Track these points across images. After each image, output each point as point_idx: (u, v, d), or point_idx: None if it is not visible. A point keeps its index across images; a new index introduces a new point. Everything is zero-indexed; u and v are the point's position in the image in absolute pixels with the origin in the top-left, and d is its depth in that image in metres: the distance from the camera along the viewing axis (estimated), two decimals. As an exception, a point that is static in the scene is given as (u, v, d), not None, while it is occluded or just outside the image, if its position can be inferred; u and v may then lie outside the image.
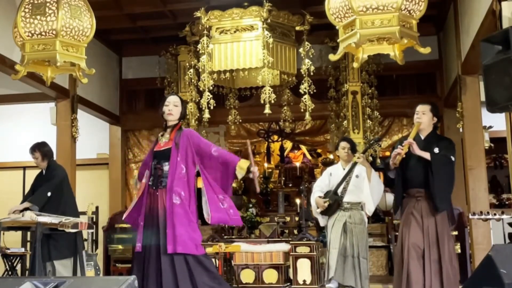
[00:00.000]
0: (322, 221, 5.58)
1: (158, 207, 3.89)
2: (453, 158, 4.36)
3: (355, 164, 5.37)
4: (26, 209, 5.14)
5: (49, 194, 5.39)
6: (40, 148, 5.61)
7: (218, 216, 3.96)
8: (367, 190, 5.35)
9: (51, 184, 5.44)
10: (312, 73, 6.85)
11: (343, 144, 5.54)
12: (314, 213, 5.61)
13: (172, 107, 4.07)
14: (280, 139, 10.84)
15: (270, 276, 6.35)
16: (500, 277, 2.81)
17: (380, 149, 8.19)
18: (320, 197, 5.47)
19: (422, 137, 4.52)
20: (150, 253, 3.87)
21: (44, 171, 5.66)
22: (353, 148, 5.54)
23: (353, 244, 5.29)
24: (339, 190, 5.38)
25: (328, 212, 5.42)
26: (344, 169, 5.50)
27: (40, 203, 5.27)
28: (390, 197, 7.28)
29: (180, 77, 8.20)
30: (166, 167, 3.95)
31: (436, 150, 4.41)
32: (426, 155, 4.34)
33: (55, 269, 5.33)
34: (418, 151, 4.35)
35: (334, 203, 5.37)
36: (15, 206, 5.27)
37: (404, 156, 4.36)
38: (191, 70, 7.43)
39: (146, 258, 3.88)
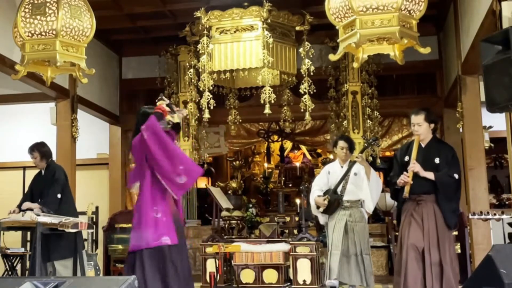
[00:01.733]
0: (322, 219, 5.58)
1: None
2: (456, 176, 4.36)
3: (354, 162, 5.37)
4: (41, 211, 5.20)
5: (59, 196, 5.43)
6: (38, 148, 5.61)
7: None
8: (366, 189, 5.35)
9: (58, 186, 5.47)
10: (312, 73, 6.84)
11: (342, 143, 5.52)
12: (314, 211, 5.60)
13: None
14: (280, 139, 10.85)
15: (270, 276, 6.34)
16: (500, 277, 2.80)
17: (380, 149, 8.19)
18: (319, 196, 5.47)
19: (423, 145, 4.52)
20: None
21: (43, 171, 5.66)
22: (351, 147, 5.55)
23: (355, 242, 5.29)
24: (339, 189, 5.38)
25: (328, 210, 5.42)
26: (342, 167, 5.49)
27: (54, 207, 5.31)
28: (390, 198, 7.27)
29: (180, 77, 8.20)
30: None
31: (437, 160, 4.43)
32: (431, 176, 4.36)
33: (55, 269, 5.33)
34: (423, 173, 4.37)
35: (334, 201, 5.37)
36: (28, 204, 5.28)
37: (412, 183, 4.36)
38: (191, 70, 7.43)
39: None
